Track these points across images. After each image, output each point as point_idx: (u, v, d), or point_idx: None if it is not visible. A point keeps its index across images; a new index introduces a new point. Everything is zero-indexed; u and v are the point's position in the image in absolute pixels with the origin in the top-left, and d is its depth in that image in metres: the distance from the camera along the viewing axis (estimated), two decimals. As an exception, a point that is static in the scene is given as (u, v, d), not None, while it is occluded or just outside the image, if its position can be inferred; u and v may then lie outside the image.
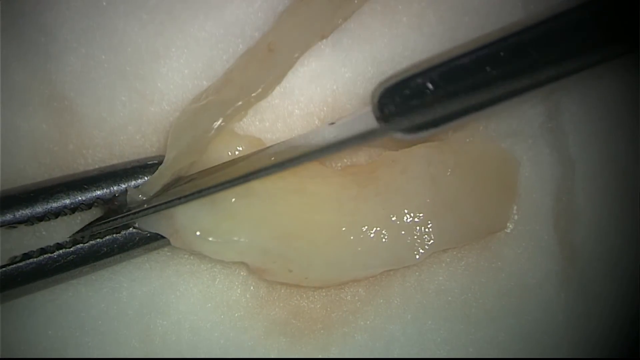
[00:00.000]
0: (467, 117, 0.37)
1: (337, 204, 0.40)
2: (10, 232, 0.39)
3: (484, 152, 0.42)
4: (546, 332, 0.42)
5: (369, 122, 0.37)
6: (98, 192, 0.38)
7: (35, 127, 0.40)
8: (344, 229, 0.40)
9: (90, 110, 0.41)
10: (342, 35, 0.42)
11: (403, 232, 0.40)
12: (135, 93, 0.41)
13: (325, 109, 0.42)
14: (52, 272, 0.38)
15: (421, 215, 0.40)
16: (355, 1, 0.40)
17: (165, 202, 0.38)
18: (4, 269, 0.37)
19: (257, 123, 0.42)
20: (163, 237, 0.39)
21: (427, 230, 0.40)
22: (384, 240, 0.40)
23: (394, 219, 0.40)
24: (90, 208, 0.38)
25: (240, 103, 0.38)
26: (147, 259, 0.41)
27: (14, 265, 0.37)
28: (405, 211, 0.40)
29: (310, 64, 0.42)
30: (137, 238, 0.39)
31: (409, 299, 0.42)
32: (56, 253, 0.38)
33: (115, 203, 0.39)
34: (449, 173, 0.41)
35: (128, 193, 0.39)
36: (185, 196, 0.38)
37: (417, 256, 0.40)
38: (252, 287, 0.42)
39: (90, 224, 0.39)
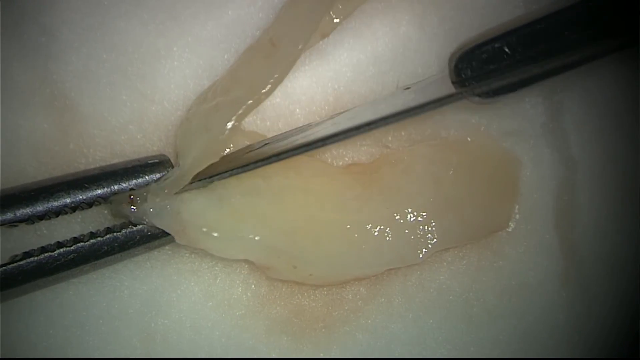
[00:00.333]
0: (543, 82, 0.38)
1: (341, 203, 0.40)
2: (11, 231, 0.39)
3: (485, 152, 0.42)
4: (547, 331, 0.42)
5: (445, 86, 0.37)
6: (99, 191, 0.38)
7: (36, 126, 0.40)
8: (348, 227, 0.40)
9: (91, 109, 0.41)
10: (343, 34, 0.42)
11: (406, 231, 0.40)
12: (137, 92, 0.41)
13: (326, 108, 0.42)
14: (53, 271, 0.37)
15: (424, 214, 0.40)
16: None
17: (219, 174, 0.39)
18: (4, 267, 0.37)
19: (259, 122, 0.42)
20: (164, 236, 0.39)
21: (430, 229, 0.40)
22: (387, 239, 0.40)
23: (397, 218, 0.40)
24: (90, 207, 0.38)
25: (250, 101, 0.38)
26: (148, 257, 0.41)
27: (15, 264, 0.37)
28: (409, 210, 0.40)
29: (312, 63, 0.42)
30: (138, 237, 0.39)
31: (411, 298, 0.42)
32: (57, 252, 0.37)
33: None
34: (451, 172, 0.41)
35: (148, 201, 0.39)
36: (244, 165, 0.38)
37: (421, 255, 0.40)
38: (253, 286, 0.42)
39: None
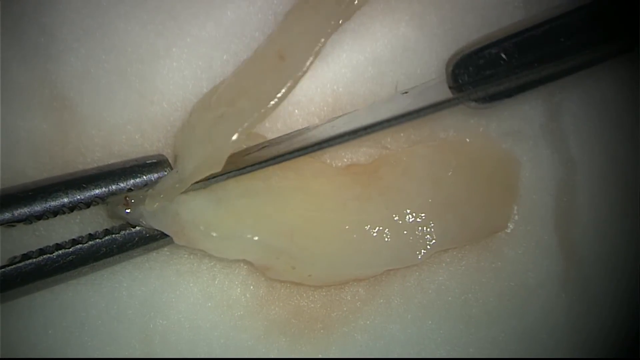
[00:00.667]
0: (540, 87, 0.38)
1: (340, 203, 0.40)
2: (10, 232, 0.39)
3: (485, 153, 0.42)
4: (546, 332, 0.42)
5: (443, 91, 0.38)
6: (96, 191, 0.38)
7: (35, 127, 0.40)
8: (347, 227, 0.40)
9: (90, 110, 0.41)
10: (343, 35, 0.42)
11: (405, 232, 0.40)
12: (136, 93, 0.41)
13: (325, 109, 0.42)
14: (52, 273, 0.37)
15: (423, 215, 0.40)
16: (356, 2, 0.40)
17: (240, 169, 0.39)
18: (3, 269, 0.37)
19: (258, 123, 0.42)
20: (162, 238, 0.39)
21: (429, 230, 0.40)
22: (386, 239, 0.40)
23: (396, 218, 0.40)
24: (88, 207, 0.38)
25: (257, 114, 0.38)
26: (147, 258, 0.41)
27: (14, 266, 0.37)
28: (408, 211, 0.40)
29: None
30: (137, 238, 0.39)
31: (410, 298, 0.42)
32: (55, 253, 0.37)
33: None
34: (450, 173, 0.41)
35: (145, 204, 0.39)
36: (243, 168, 0.39)
37: (419, 256, 0.40)
38: (252, 287, 0.42)
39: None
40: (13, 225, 0.38)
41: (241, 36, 0.41)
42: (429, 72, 0.42)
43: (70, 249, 0.38)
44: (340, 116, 0.41)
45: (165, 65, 0.41)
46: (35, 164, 0.40)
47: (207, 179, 0.39)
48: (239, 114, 0.38)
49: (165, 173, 0.39)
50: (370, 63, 0.42)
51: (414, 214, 0.40)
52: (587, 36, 0.37)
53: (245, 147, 0.40)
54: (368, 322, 0.42)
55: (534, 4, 0.41)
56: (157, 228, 0.39)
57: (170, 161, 0.40)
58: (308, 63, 0.38)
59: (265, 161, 0.39)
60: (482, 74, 0.37)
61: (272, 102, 0.38)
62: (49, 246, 0.38)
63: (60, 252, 0.38)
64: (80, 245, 0.38)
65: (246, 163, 0.39)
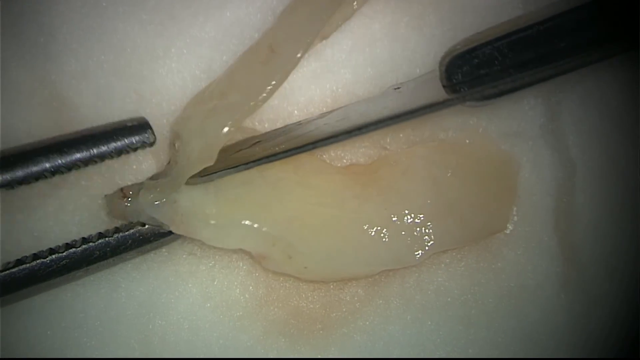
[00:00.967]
0: (539, 87, 0.38)
1: (340, 200, 0.40)
2: (7, 233, 0.39)
3: (484, 153, 0.42)
4: (546, 332, 0.42)
5: (435, 87, 0.38)
6: (78, 155, 0.37)
7: (34, 126, 0.40)
8: (345, 224, 0.40)
9: (89, 110, 0.40)
10: (342, 36, 0.42)
11: (403, 233, 0.40)
12: (134, 93, 0.41)
13: (324, 109, 0.42)
14: (46, 277, 0.37)
15: (422, 216, 0.40)
16: (355, 3, 0.40)
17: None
18: None
19: (257, 124, 0.42)
20: (156, 240, 0.39)
21: (427, 231, 0.40)
22: (384, 239, 0.40)
23: (394, 219, 0.40)
24: (70, 171, 0.38)
25: (247, 107, 0.38)
26: (145, 259, 0.41)
27: (7, 272, 0.37)
28: (406, 212, 0.40)
29: (310, 65, 0.42)
30: (130, 241, 0.39)
31: (409, 299, 0.42)
32: (49, 258, 0.37)
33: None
34: (449, 174, 0.41)
35: (141, 197, 0.39)
36: (236, 166, 0.39)
37: (417, 257, 0.40)
38: (251, 287, 0.42)
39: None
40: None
41: (240, 36, 0.41)
42: (428, 72, 0.42)
43: (64, 253, 0.38)
44: (332, 111, 0.41)
45: (165, 65, 0.41)
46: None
47: (204, 174, 0.39)
48: (230, 107, 0.38)
49: (147, 135, 0.39)
50: (369, 64, 0.42)
51: (412, 215, 0.40)
52: (585, 36, 0.37)
53: (235, 141, 0.40)
54: (367, 322, 0.42)
55: (532, 3, 0.41)
56: (156, 217, 0.39)
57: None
58: (298, 55, 0.38)
59: (260, 159, 0.39)
60: (475, 73, 0.37)
61: (262, 95, 0.38)
62: (43, 251, 0.37)
63: (53, 256, 0.37)
64: (73, 249, 0.38)
65: (241, 160, 0.39)
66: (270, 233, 0.39)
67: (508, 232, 0.43)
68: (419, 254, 0.40)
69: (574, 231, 0.43)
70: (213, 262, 0.42)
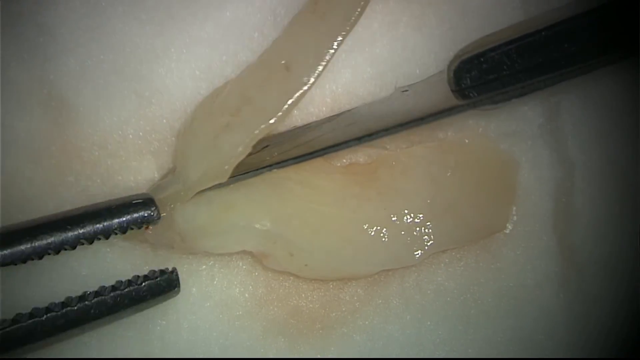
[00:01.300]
0: (540, 91, 0.38)
1: (339, 200, 0.40)
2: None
3: (483, 153, 0.42)
4: (545, 332, 0.42)
5: (443, 90, 0.38)
6: (81, 231, 0.37)
7: (33, 126, 0.40)
8: (344, 223, 0.40)
9: (88, 109, 0.40)
10: (341, 35, 0.42)
11: (403, 232, 0.40)
12: (134, 93, 0.41)
13: (324, 109, 0.42)
14: (42, 336, 0.37)
15: (421, 215, 0.40)
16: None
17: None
18: None
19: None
20: (152, 298, 0.39)
21: (426, 230, 0.40)
22: (383, 239, 0.40)
23: (394, 219, 0.40)
24: (74, 248, 0.37)
25: (263, 126, 0.38)
26: (145, 259, 0.41)
27: (3, 331, 0.36)
28: (406, 211, 0.40)
29: (310, 64, 0.42)
30: (126, 300, 0.38)
31: (408, 299, 0.42)
32: (45, 317, 0.37)
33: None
34: (449, 174, 0.41)
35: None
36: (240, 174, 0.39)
37: (417, 256, 0.40)
38: (250, 287, 0.42)
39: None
40: None
41: (240, 36, 0.41)
42: (428, 72, 0.42)
43: (59, 313, 0.37)
44: (339, 114, 0.41)
45: (164, 65, 0.41)
46: (33, 164, 0.40)
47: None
48: (245, 125, 0.38)
49: (152, 213, 0.38)
50: (369, 63, 0.42)
51: (412, 215, 0.40)
52: (594, 41, 0.37)
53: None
54: (367, 322, 0.42)
55: (532, 4, 0.41)
56: (155, 244, 0.39)
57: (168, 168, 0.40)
58: (313, 78, 0.38)
59: (270, 165, 0.40)
60: (484, 78, 0.37)
61: (279, 114, 0.38)
62: (38, 308, 0.37)
63: (49, 315, 0.37)
64: (69, 307, 0.37)
65: (251, 166, 0.39)
66: (270, 231, 0.39)
67: (507, 232, 0.43)
68: (418, 253, 0.40)
69: (573, 231, 0.43)
70: (213, 262, 0.41)
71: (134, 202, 0.38)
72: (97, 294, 0.38)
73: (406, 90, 0.40)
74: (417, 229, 0.40)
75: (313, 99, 0.42)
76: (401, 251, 0.40)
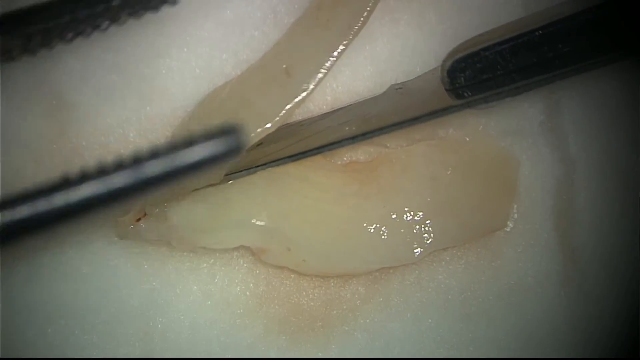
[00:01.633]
0: (540, 88, 0.38)
1: (339, 196, 0.40)
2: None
3: (484, 151, 0.42)
4: (546, 331, 0.42)
5: (437, 87, 0.37)
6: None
7: (33, 125, 0.40)
8: (343, 220, 0.40)
9: (88, 108, 0.40)
10: (341, 33, 0.42)
11: (402, 230, 0.40)
12: (134, 92, 0.41)
13: (324, 107, 0.42)
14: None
15: (421, 213, 0.40)
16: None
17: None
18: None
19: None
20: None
21: (426, 229, 0.40)
22: (383, 237, 0.40)
23: (394, 217, 0.40)
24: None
25: (259, 130, 0.38)
26: (145, 257, 0.41)
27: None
28: (406, 209, 0.40)
29: (310, 63, 0.42)
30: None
31: (409, 297, 0.42)
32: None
33: None
34: (449, 172, 0.41)
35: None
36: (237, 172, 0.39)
37: (416, 254, 0.40)
38: (251, 285, 0.42)
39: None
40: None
41: (240, 35, 0.41)
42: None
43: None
44: (334, 111, 0.41)
45: (164, 64, 0.41)
46: (34, 163, 0.40)
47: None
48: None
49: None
50: (368, 62, 0.42)
51: (412, 213, 0.40)
52: (591, 41, 0.37)
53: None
54: (368, 320, 0.42)
55: (532, 2, 0.41)
56: (154, 240, 0.39)
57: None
58: (313, 85, 0.38)
59: (265, 164, 0.40)
60: (479, 77, 0.36)
61: (275, 119, 0.38)
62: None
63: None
64: None
65: (246, 165, 0.40)
66: (268, 226, 0.39)
67: (508, 230, 0.43)
68: (418, 251, 0.40)
69: (574, 229, 0.43)
70: (214, 260, 0.42)
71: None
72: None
73: (400, 88, 0.40)
74: (417, 226, 0.40)
75: (313, 96, 0.41)
76: (401, 249, 0.40)
